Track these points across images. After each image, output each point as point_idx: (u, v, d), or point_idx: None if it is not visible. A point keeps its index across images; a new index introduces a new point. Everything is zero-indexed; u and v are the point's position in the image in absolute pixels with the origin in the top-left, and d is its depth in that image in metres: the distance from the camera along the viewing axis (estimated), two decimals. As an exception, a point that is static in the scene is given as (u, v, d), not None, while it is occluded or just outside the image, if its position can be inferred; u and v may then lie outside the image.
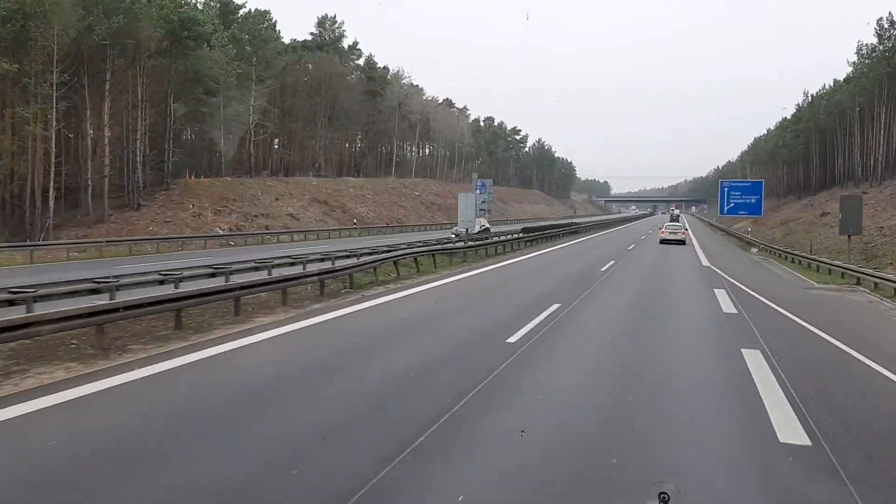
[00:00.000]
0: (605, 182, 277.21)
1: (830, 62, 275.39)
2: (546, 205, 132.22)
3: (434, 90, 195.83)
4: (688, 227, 69.02)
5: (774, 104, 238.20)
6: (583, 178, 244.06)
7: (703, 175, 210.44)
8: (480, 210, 73.15)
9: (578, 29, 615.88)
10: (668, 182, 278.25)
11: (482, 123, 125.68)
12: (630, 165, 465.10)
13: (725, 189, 54.95)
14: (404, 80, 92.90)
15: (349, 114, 73.37)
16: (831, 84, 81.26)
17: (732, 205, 54.28)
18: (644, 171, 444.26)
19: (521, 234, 42.20)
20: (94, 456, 5.03)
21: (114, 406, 6.57)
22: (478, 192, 70.33)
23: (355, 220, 57.72)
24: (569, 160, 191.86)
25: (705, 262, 28.55)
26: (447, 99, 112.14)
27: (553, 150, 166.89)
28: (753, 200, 53.81)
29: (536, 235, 42.50)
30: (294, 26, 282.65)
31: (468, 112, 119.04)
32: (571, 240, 46.64)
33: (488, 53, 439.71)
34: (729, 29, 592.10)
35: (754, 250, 43.49)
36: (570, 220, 79.74)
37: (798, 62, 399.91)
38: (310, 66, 69.74)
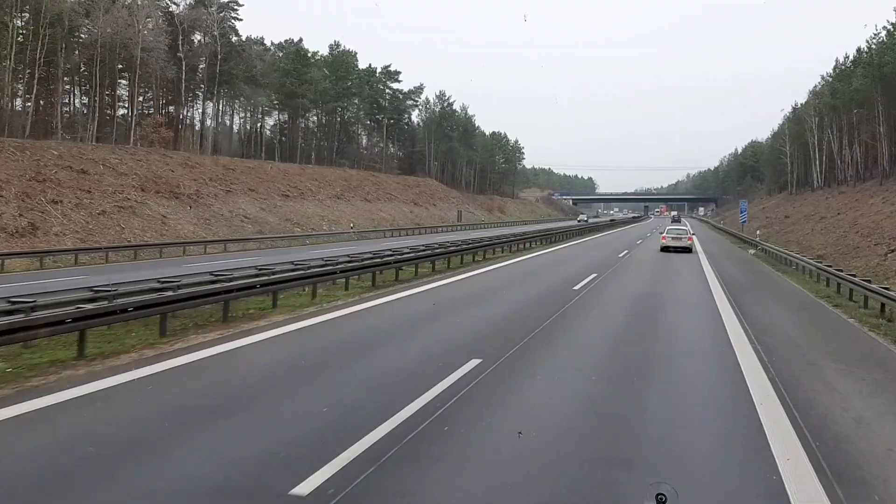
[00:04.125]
0: (590, 178, 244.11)
1: (828, 60, 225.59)
2: (415, 204, 72.15)
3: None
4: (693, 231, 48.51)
5: (774, 103, 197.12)
6: (561, 174, 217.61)
7: (713, 167, 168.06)
8: None
9: (572, 23, 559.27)
10: (668, 179, 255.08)
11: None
12: (625, 163, 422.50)
13: None
14: None
15: None
16: None
17: None
18: (640, 168, 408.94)
19: None
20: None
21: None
22: None
23: None
24: (512, 137, 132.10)
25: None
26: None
27: (469, 113, 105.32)
28: None
29: None
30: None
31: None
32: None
33: (485, 52, 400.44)
34: (731, 24, 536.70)
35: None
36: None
37: (801, 58, 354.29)
38: None
